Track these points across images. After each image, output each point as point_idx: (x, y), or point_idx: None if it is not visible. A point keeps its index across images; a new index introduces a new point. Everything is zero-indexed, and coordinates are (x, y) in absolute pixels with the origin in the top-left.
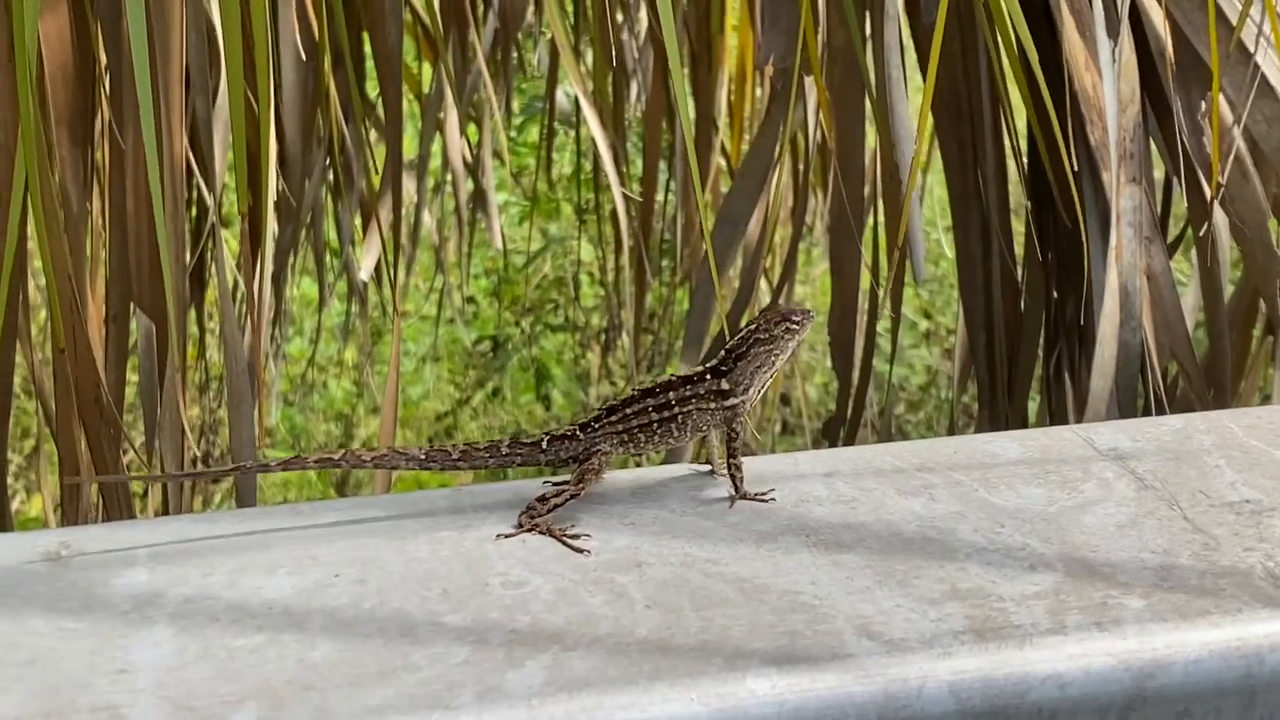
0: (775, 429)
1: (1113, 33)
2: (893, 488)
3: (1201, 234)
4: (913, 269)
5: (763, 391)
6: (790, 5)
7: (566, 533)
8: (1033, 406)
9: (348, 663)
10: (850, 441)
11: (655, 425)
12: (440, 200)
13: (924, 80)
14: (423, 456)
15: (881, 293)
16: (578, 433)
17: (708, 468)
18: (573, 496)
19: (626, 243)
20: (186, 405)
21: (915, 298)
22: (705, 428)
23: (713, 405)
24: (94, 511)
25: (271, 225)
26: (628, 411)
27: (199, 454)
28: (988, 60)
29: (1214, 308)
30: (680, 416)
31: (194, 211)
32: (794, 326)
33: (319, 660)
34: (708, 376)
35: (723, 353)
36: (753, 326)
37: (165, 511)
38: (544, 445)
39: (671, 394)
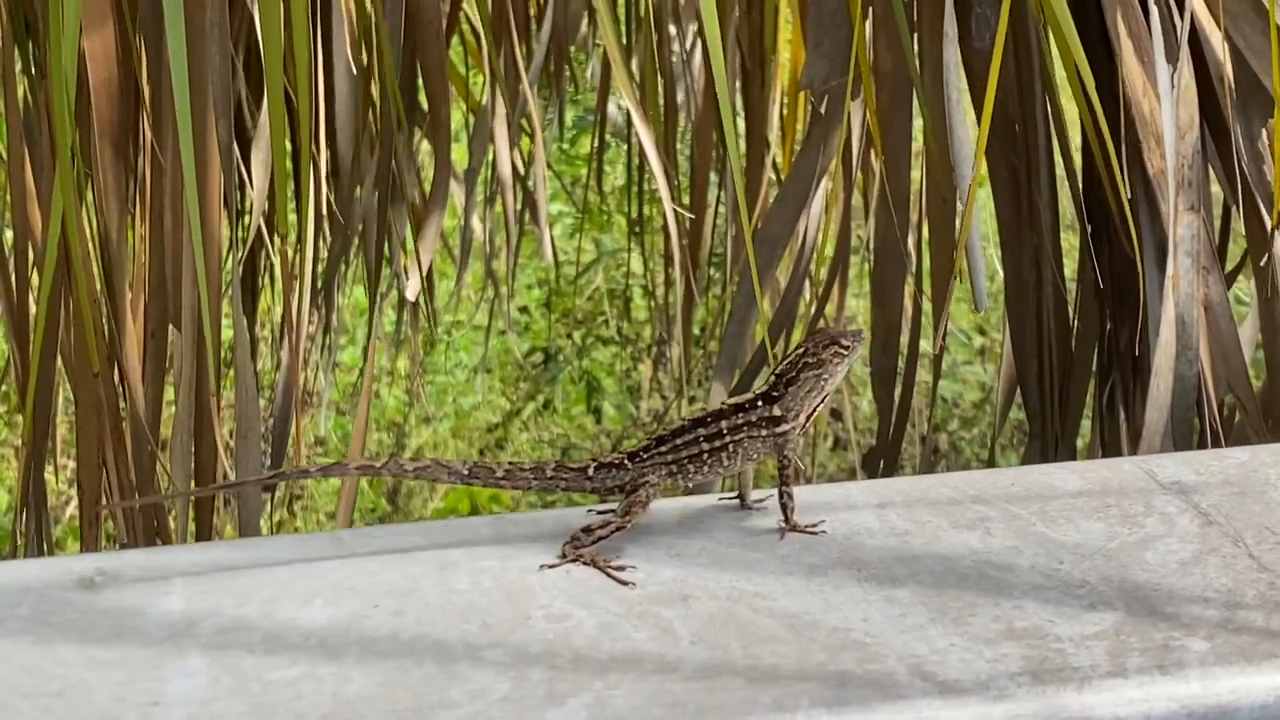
0: (826, 445)
1: (1172, 58)
2: (947, 520)
3: (1262, 264)
4: (974, 299)
5: (813, 417)
6: (833, 29)
7: (611, 564)
8: (1084, 430)
9: (384, 698)
10: (890, 473)
11: (706, 455)
12: (491, 211)
13: (976, 103)
14: (465, 472)
15: (934, 324)
16: (626, 462)
17: (735, 500)
18: (618, 529)
19: (677, 257)
20: (220, 425)
21: (969, 313)
22: (756, 456)
23: (764, 432)
24: (113, 539)
25: (325, 234)
26: (678, 442)
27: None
28: (1042, 84)
29: (1273, 340)
30: (731, 445)
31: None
32: (844, 350)
33: (354, 695)
34: (759, 404)
35: (773, 378)
36: (801, 350)
37: (194, 536)
38: (590, 472)
39: (723, 423)
